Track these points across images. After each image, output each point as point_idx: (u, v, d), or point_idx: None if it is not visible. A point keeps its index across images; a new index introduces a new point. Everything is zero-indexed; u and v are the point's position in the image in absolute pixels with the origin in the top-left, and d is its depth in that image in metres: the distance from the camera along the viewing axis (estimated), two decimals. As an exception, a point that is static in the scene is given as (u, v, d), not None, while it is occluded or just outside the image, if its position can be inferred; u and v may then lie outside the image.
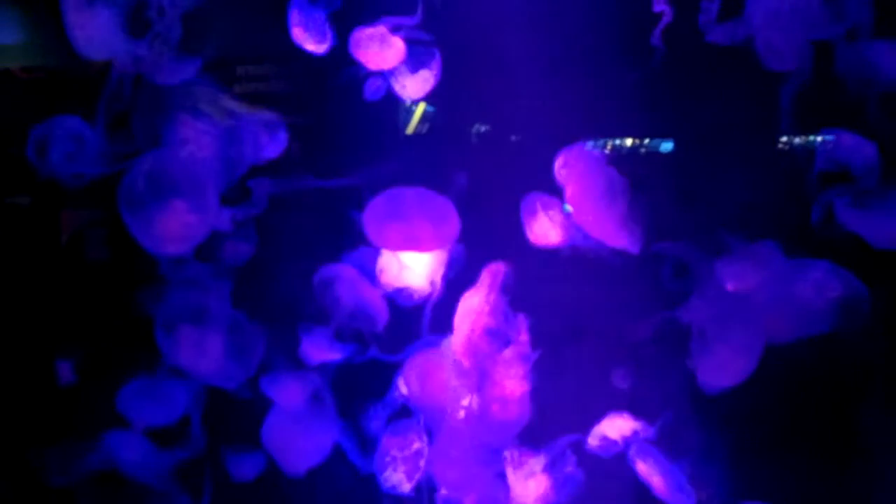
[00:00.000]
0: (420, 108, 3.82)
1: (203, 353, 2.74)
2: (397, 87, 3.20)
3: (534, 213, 2.96)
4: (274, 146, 2.94)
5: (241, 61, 3.92)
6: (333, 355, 2.95)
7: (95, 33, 2.69)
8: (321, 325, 2.92)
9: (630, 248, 2.82)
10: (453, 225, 2.98)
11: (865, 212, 2.60)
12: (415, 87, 3.19)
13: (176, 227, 2.63)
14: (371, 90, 3.21)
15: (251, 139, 2.83)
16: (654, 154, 3.75)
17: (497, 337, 2.82)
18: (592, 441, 2.99)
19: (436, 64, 3.16)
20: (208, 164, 2.69)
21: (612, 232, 2.83)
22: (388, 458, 2.98)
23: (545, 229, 2.95)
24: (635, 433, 2.95)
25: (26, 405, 3.89)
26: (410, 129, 3.84)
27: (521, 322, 2.85)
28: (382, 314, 2.98)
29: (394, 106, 3.74)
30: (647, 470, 2.94)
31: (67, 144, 2.69)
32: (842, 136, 2.66)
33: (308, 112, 3.56)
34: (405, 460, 2.96)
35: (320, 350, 2.93)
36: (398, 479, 2.97)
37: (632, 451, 2.96)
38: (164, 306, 2.75)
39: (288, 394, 2.94)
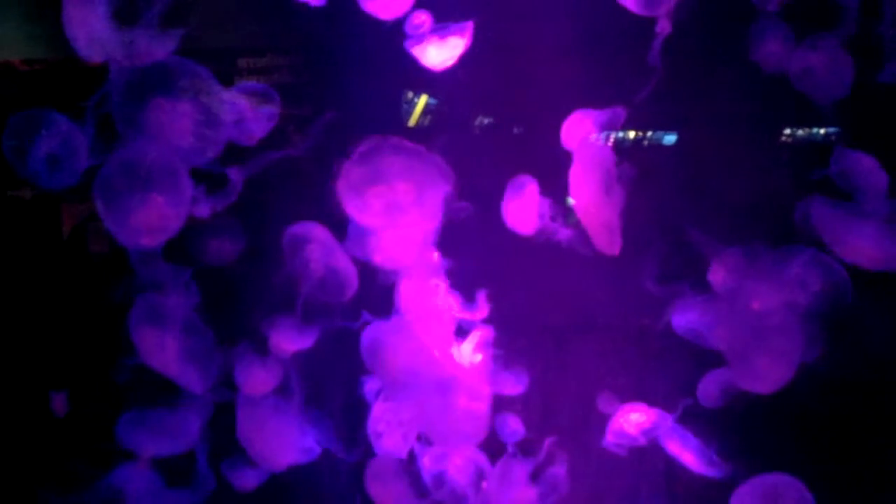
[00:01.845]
0: (422, 101, 3.80)
1: (162, 355, 2.68)
2: (418, 53, 2.86)
3: (519, 193, 2.76)
4: (263, 124, 2.76)
5: (242, 53, 3.92)
6: (303, 342, 2.82)
7: (93, 30, 2.65)
8: (286, 315, 2.78)
9: (608, 249, 2.68)
10: (445, 186, 2.60)
11: (842, 218, 2.60)
12: (440, 54, 2.85)
13: (151, 219, 2.57)
14: (412, 26, 2.80)
15: (235, 119, 2.71)
16: (658, 146, 3.74)
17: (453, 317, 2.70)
18: (611, 437, 2.95)
19: (468, 33, 2.84)
20: (184, 154, 2.62)
21: (601, 223, 2.69)
22: (381, 425, 2.86)
23: (525, 213, 2.75)
24: (655, 423, 2.91)
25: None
26: (413, 122, 3.82)
27: (482, 299, 2.72)
28: (352, 282, 2.74)
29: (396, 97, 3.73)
30: (678, 448, 2.91)
31: (52, 145, 2.65)
32: (861, 157, 2.63)
33: (309, 103, 3.54)
34: (399, 425, 2.85)
35: (289, 339, 2.81)
36: (392, 444, 2.88)
37: (660, 433, 2.92)
38: (132, 306, 2.71)
39: (255, 381, 2.84)
